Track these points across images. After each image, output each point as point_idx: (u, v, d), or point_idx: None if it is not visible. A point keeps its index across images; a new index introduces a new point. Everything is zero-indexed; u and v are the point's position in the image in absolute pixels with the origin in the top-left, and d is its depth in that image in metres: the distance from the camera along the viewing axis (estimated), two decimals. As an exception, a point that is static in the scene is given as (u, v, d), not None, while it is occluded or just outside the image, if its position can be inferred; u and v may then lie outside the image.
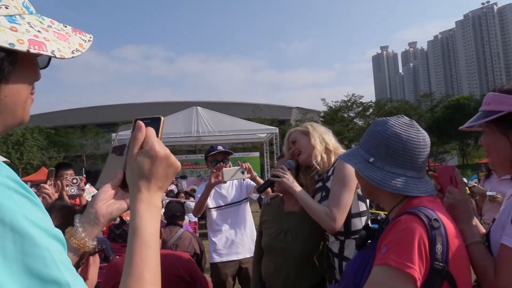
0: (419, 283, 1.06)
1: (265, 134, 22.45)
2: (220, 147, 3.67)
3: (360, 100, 42.25)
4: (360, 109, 42.64)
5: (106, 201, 0.83)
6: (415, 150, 1.25)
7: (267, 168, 23.96)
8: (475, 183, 5.48)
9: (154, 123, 0.84)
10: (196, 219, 6.83)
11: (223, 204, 3.64)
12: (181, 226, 3.67)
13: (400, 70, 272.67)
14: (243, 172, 3.18)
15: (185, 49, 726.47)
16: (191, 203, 6.17)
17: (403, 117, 1.32)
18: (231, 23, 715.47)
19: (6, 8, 0.63)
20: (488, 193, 4.18)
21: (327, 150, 2.29)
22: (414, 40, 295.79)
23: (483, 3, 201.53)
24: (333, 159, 2.28)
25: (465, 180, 14.64)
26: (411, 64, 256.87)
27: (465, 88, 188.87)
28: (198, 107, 20.55)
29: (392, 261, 1.06)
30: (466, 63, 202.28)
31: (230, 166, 3.50)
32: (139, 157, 0.77)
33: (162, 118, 0.85)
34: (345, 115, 42.70)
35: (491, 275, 1.19)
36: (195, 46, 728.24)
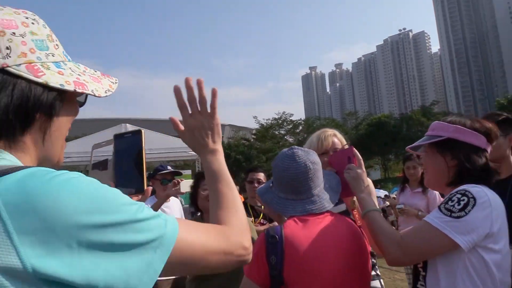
0: (263, 286, 1.37)
1: (196, 156, 22.26)
2: (169, 167, 3.79)
3: (290, 118, 43.57)
4: (291, 126, 43.90)
5: None
6: (290, 178, 1.49)
7: (199, 186, 23.71)
8: (395, 196, 5.82)
9: (135, 135, 0.95)
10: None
11: None
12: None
13: (328, 90, 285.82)
14: (190, 186, 3.21)
15: (116, 63, 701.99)
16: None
17: (292, 148, 1.57)
18: (165, 38, 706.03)
19: (53, 56, 0.75)
20: (397, 206, 4.47)
21: None
22: (340, 62, 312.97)
23: (400, 30, 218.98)
24: None
25: (386, 192, 15.40)
26: (337, 84, 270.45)
27: (385, 107, 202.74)
28: (127, 124, 19.88)
29: (244, 269, 1.42)
30: (386, 84, 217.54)
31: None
32: (198, 120, 0.97)
33: (142, 130, 0.95)
34: (276, 133, 43.69)
35: (395, 234, 1.41)
36: (127, 61, 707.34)
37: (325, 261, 1.39)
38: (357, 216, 1.71)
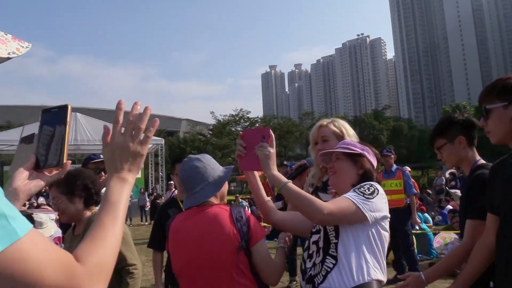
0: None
1: (150, 145, 21.84)
2: (102, 155, 3.42)
3: (248, 115, 43.75)
4: (248, 123, 44.10)
5: (23, 181, 0.94)
6: (180, 180, 1.99)
7: (151, 180, 23.28)
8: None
9: (61, 110, 0.95)
10: (60, 234, 6.28)
11: None
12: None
13: (287, 89, 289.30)
14: None
15: (71, 50, 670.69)
16: (44, 216, 5.60)
17: (202, 155, 2.00)
18: (125, 27, 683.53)
19: None
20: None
21: None
22: (300, 62, 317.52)
23: (358, 35, 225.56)
24: None
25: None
26: (296, 84, 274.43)
27: (341, 109, 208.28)
28: (77, 113, 19.20)
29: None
30: (343, 87, 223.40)
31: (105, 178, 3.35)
32: (120, 139, 0.92)
33: (69, 105, 0.94)
34: (233, 129, 43.75)
35: (315, 199, 1.66)
36: (83, 48, 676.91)
37: (180, 247, 1.87)
38: (266, 188, 1.83)
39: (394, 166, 6.59)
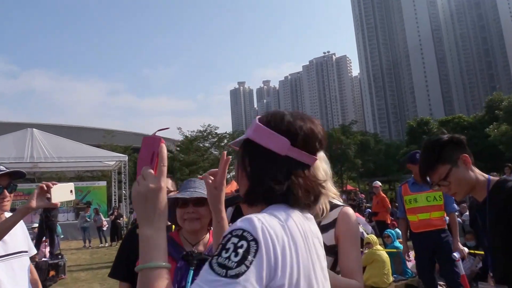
0: None
1: (114, 162, 20.87)
2: (2, 167, 2.32)
3: (216, 131, 43.20)
4: (216, 139, 43.50)
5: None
6: None
7: (114, 199, 22.22)
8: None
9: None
10: None
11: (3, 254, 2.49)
12: None
13: (255, 105, 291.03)
14: (72, 191, 2.20)
15: (34, 64, 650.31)
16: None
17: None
18: (93, 40, 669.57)
19: None
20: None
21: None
22: (268, 79, 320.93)
23: (324, 53, 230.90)
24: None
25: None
26: (264, 101, 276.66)
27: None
28: (33, 129, 18.15)
29: None
30: (310, 103, 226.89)
31: (10, 199, 2.52)
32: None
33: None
34: (201, 145, 43.02)
35: None
36: (47, 62, 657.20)
37: None
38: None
39: None
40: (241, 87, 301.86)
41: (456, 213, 5.10)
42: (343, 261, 1.66)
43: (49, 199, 2.08)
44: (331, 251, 1.63)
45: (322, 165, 1.63)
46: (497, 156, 35.14)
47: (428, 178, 1.84)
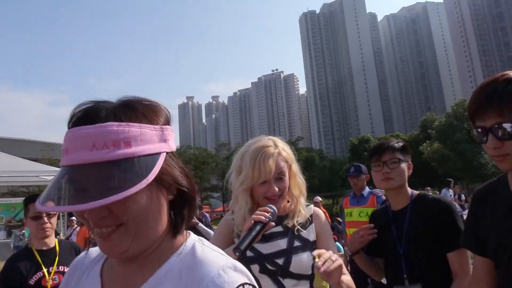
0: None
1: (52, 177, 19.89)
2: None
3: (162, 146, 42.50)
4: (162, 154, 42.80)
5: None
6: None
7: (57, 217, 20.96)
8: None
9: None
10: None
11: None
12: None
13: (204, 120, 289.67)
14: None
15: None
16: None
17: None
18: (35, 49, 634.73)
19: None
20: None
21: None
22: (217, 94, 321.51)
23: (273, 70, 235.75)
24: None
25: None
26: (213, 116, 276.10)
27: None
28: (-36, 141, 16.99)
29: None
30: (259, 119, 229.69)
31: None
32: None
33: None
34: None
35: None
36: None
37: None
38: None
39: (367, 190, 4.81)
40: (190, 102, 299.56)
41: None
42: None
43: None
44: (312, 246, 1.61)
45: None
46: (431, 173, 37.42)
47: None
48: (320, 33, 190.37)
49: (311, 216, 1.67)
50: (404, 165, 2.00)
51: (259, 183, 1.53)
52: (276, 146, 1.58)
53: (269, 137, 1.65)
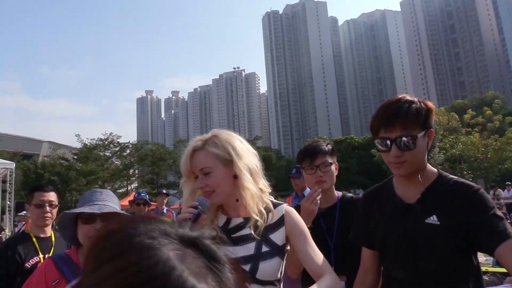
0: None
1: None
2: None
3: (118, 140, 41.58)
4: (117, 149, 41.86)
5: None
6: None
7: (-3, 211, 20.19)
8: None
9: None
10: None
11: None
12: None
13: (163, 116, 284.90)
14: None
15: None
16: None
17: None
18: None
19: None
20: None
21: (260, 190, 1.57)
22: (177, 89, 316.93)
23: (234, 68, 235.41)
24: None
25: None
26: (172, 111, 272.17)
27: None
28: None
29: None
30: (218, 116, 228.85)
31: None
32: None
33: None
34: (101, 154, 41.03)
35: None
36: None
37: None
38: None
39: (307, 190, 4.58)
40: (149, 96, 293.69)
41: None
42: (307, 261, 1.53)
43: None
44: (281, 251, 1.55)
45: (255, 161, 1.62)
46: (381, 175, 38.99)
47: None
48: (282, 34, 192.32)
49: (282, 216, 1.58)
50: (333, 167, 2.21)
51: (193, 178, 1.54)
52: (205, 142, 1.53)
53: (214, 130, 1.61)
